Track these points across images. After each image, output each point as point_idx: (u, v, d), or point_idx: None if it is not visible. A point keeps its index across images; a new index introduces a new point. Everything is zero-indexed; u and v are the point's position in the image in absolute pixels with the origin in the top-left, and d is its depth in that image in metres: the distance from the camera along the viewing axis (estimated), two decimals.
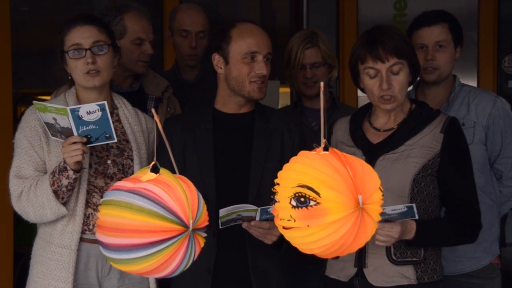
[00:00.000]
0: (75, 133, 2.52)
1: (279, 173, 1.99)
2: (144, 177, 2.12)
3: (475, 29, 5.00)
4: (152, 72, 3.34)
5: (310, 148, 2.04)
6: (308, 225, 1.90)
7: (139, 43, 3.16)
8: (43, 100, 2.64)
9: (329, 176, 1.90)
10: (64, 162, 2.53)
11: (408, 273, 2.52)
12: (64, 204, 2.60)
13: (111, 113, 2.61)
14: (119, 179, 2.50)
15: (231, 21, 2.69)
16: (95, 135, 2.54)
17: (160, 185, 2.07)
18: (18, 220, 2.99)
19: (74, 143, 2.50)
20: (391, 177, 2.48)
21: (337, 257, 2.58)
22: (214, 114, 2.72)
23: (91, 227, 2.63)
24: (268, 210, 2.41)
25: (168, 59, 4.76)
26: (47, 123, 2.58)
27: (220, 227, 2.45)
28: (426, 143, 2.54)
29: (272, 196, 2.00)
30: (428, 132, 2.55)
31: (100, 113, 2.51)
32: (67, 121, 2.50)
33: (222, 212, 2.41)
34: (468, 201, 2.56)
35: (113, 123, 2.55)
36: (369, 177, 1.96)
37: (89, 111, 2.50)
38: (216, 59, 2.68)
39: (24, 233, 4.26)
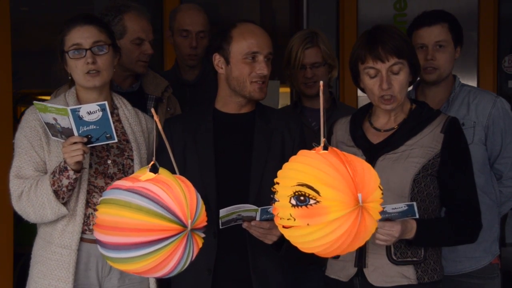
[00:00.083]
0: (75, 133, 2.52)
1: (279, 172, 1.99)
2: (143, 177, 2.12)
3: (475, 29, 5.00)
4: (152, 72, 3.34)
5: (310, 148, 2.04)
6: (308, 224, 1.90)
7: (139, 43, 3.16)
8: (43, 100, 2.64)
9: (328, 175, 1.90)
10: (65, 162, 2.53)
11: (408, 273, 2.52)
12: (65, 204, 2.60)
13: (111, 113, 2.61)
14: (119, 179, 2.50)
15: (231, 21, 2.69)
16: (95, 135, 2.54)
17: (159, 184, 2.07)
18: (18, 220, 3.00)
19: (75, 143, 2.51)
20: (391, 177, 2.49)
21: (338, 257, 2.58)
22: (215, 114, 2.72)
23: (91, 227, 2.62)
24: (268, 210, 2.41)
25: (168, 59, 4.76)
26: (47, 123, 2.58)
27: (221, 227, 2.45)
28: (426, 143, 2.54)
29: (272, 195, 2.01)
30: (428, 132, 2.56)
31: (100, 113, 2.51)
32: (67, 121, 2.50)
33: (222, 212, 2.42)
34: (468, 201, 2.56)
35: (113, 123, 2.55)
36: (368, 175, 1.96)
37: (90, 111, 2.50)
38: (217, 59, 2.68)
39: (24, 233, 4.26)
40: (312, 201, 1.89)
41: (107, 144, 2.66)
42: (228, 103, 2.71)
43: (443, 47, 3.06)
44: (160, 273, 2.11)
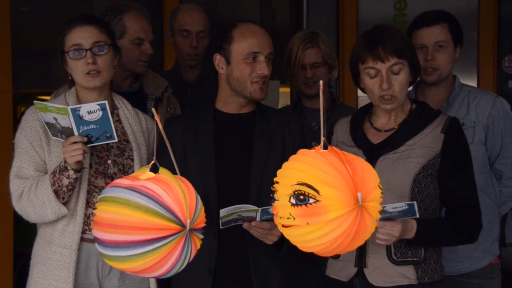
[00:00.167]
0: (75, 132, 2.52)
1: (279, 171, 1.99)
2: (143, 176, 2.12)
3: (475, 29, 5.00)
4: (152, 72, 3.34)
5: (310, 148, 2.04)
6: (307, 223, 1.91)
7: (138, 43, 3.16)
8: (44, 100, 2.64)
9: (328, 174, 1.90)
10: (65, 161, 2.53)
11: (408, 273, 2.52)
12: (65, 204, 2.60)
13: (111, 113, 2.61)
14: (120, 178, 2.50)
15: (232, 21, 2.69)
16: (95, 135, 2.54)
17: (159, 183, 2.07)
18: (18, 220, 2.99)
19: (75, 142, 2.51)
20: (391, 177, 2.49)
21: (338, 257, 2.58)
22: (215, 114, 2.72)
23: (91, 227, 2.62)
24: (269, 210, 2.41)
25: (168, 59, 4.76)
26: (47, 123, 2.58)
27: (221, 227, 2.45)
28: (427, 143, 2.54)
29: (271, 195, 2.01)
30: (429, 132, 2.56)
31: (100, 113, 2.51)
32: (67, 121, 2.50)
33: (223, 212, 2.42)
34: (468, 201, 2.56)
35: (113, 123, 2.55)
36: (368, 175, 1.96)
37: (90, 111, 2.50)
38: (218, 59, 2.68)
39: (24, 233, 4.26)
40: (311, 200, 1.89)
41: (107, 144, 2.66)
42: (228, 103, 2.71)
43: (443, 47, 3.05)
44: (157, 273, 2.10)
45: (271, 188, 2.00)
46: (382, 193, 1.98)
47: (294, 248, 2.03)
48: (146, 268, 2.07)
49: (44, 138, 2.65)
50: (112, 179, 2.66)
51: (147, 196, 2.04)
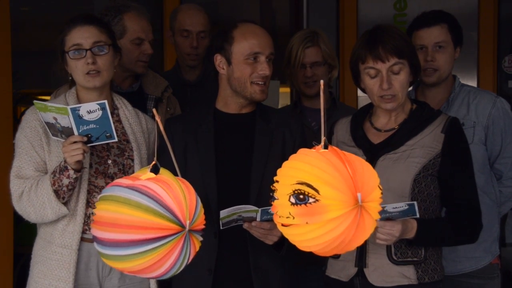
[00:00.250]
0: (75, 132, 2.52)
1: (279, 171, 1.99)
2: (144, 176, 2.12)
3: (475, 29, 5.00)
4: (152, 72, 3.34)
5: (310, 148, 2.04)
6: (307, 222, 1.91)
7: (138, 43, 3.16)
8: (44, 100, 2.64)
9: (328, 174, 1.90)
10: (65, 161, 2.53)
11: (408, 273, 2.52)
12: (65, 203, 2.60)
13: (112, 114, 2.61)
14: (121, 178, 2.51)
15: (232, 22, 2.69)
16: (95, 134, 2.54)
17: (159, 183, 2.07)
18: (18, 220, 3.00)
19: (75, 142, 2.51)
20: (392, 177, 2.49)
21: (338, 256, 2.59)
22: (215, 114, 2.72)
23: (91, 226, 2.63)
24: (269, 210, 2.41)
25: (168, 59, 4.76)
26: (47, 123, 2.58)
27: (221, 227, 2.45)
28: (427, 143, 2.54)
29: (271, 194, 2.01)
30: (429, 132, 2.56)
31: (100, 112, 2.51)
32: (67, 121, 2.50)
33: (223, 213, 2.41)
34: (468, 201, 2.56)
35: (113, 123, 2.55)
36: (368, 175, 1.96)
37: (90, 110, 2.50)
38: (218, 59, 2.68)
39: (24, 233, 4.27)
40: (311, 200, 1.89)
41: (108, 143, 2.66)
42: (229, 103, 2.71)
43: (443, 47, 3.05)
44: (155, 273, 2.10)
45: (271, 187, 2.00)
46: (382, 193, 1.98)
47: (295, 248, 2.03)
48: (145, 268, 2.07)
49: (44, 138, 2.65)
50: (112, 179, 2.66)
51: (147, 195, 2.04)
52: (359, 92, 2.86)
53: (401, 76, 2.53)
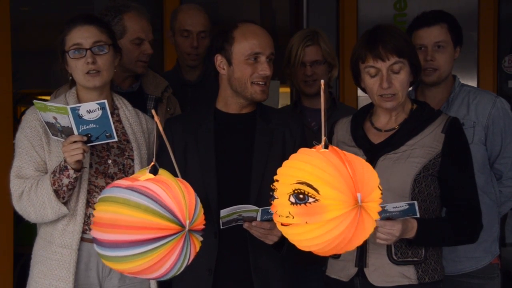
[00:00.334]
0: (75, 132, 2.52)
1: (279, 170, 1.99)
2: (143, 177, 2.12)
3: (475, 29, 5.00)
4: (152, 72, 3.34)
5: (310, 148, 2.04)
6: (306, 222, 1.91)
7: (138, 43, 3.16)
8: (44, 100, 2.64)
9: (328, 174, 1.90)
10: (65, 161, 2.53)
11: (409, 273, 2.52)
12: (65, 203, 2.60)
13: (112, 114, 2.61)
14: (120, 179, 2.50)
15: (232, 22, 2.68)
16: (95, 134, 2.54)
17: (158, 184, 2.07)
18: (18, 220, 3.00)
19: (75, 142, 2.51)
20: (392, 177, 2.49)
21: (338, 256, 2.58)
22: (216, 114, 2.72)
23: (91, 227, 2.63)
24: (269, 210, 2.40)
25: (168, 59, 4.76)
26: (47, 123, 2.59)
27: (221, 227, 2.45)
28: (427, 143, 2.54)
29: (271, 193, 2.01)
30: (429, 132, 2.56)
31: (100, 112, 2.51)
32: (67, 120, 2.50)
33: (223, 212, 2.41)
34: (469, 201, 2.56)
35: (113, 123, 2.55)
36: (368, 175, 1.96)
37: (90, 110, 2.50)
38: (219, 60, 2.68)
39: (24, 233, 4.27)
40: (311, 199, 1.90)
41: (108, 143, 2.66)
42: (229, 103, 2.71)
43: (443, 47, 3.05)
44: (155, 274, 2.10)
45: (271, 186, 2.01)
46: (381, 193, 1.98)
47: (294, 248, 2.03)
48: (145, 269, 2.07)
49: (44, 138, 2.65)
50: (113, 179, 2.66)
51: (146, 195, 2.04)
52: (359, 92, 2.86)
53: (401, 75, 2.53)
